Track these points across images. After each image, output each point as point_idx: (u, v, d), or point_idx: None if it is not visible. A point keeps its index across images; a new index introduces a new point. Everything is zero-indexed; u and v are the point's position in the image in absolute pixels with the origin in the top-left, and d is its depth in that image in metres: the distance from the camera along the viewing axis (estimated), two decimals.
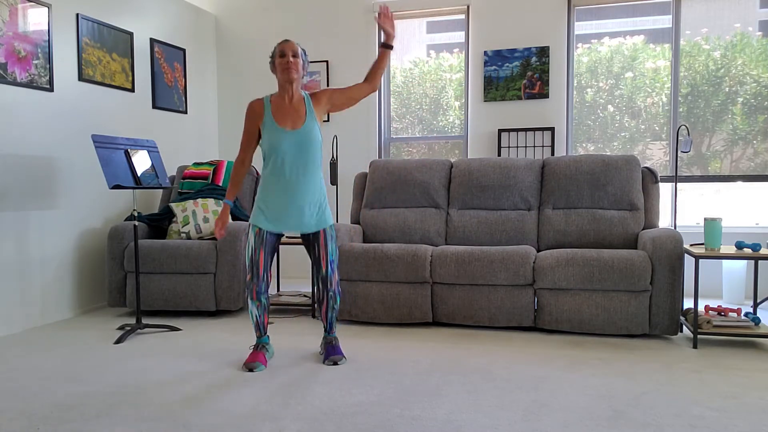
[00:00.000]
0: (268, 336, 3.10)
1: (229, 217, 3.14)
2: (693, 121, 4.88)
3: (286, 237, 4.28)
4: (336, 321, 3.14)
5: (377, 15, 2.97)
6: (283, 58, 2.89)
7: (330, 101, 3.02)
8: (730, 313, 3.40)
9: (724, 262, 4.58)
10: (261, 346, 3.03)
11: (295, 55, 2.90)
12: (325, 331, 3.12)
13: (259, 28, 5.81)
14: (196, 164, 4.75)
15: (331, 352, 3.01)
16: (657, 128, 4.97)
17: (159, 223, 4.42)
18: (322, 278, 3.00)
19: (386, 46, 3.02)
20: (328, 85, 5.60)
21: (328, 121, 5.64)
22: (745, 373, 2.79)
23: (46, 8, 3.94)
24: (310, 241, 3.00)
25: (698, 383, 2.64)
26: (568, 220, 3.93)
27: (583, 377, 2.73)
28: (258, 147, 3.26)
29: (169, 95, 5.17)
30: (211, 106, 5.85)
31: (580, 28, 5.13)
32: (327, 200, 3.03)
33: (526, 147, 5.12)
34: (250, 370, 2.88)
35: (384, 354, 3.14)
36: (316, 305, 4.06)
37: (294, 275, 5.83)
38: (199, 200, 4.34)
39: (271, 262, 2.98)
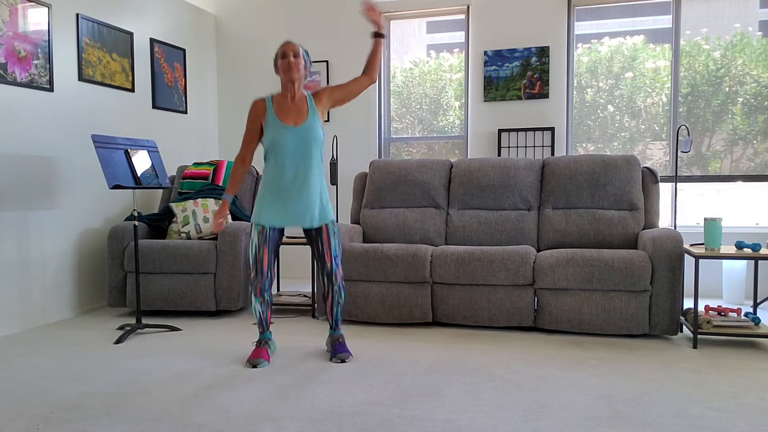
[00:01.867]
0: (270, 332, 3.12)
1: (228, 212, 3.16)
2: (693, 121, 4.88)
3: (287, 237, 4.27)
4: (341, 317, 3.16)
5: (363, 8, 3.00)
6: (284, 59, 2.95)
7: (331, 98, 3.06)
8: (730, 313, 3.40)
9: (724, 262, 4.58)
10: (264, 341, 3.06)
11: (296, 56, 2.95)
12: (331, 328, 3.15)
13: (259, 28, 5.81)
14: (196, 164, 4.75)
15: (338, 350, 3.03)
16: (657, 128, 4.97)
17: (159, 223, 4.42)
18: (327, 273, 3.03)
19: (378, 35, 3.06)
20: (328, 85, 5.61)
21: (328, 121, 5.64)
22: (745, 373, 2.79)
23: (46, 8, 3.94)
24: (313, 237, 3.03)
25: (698, 383, 2.64)
26: (568, 220, 3.93)
27: (583, 377, 2.73)
28: (259, 146, 3.28)
29: (169, 95, 5.17)
30: (211, 106, 5.85)
31: (580, 28, 5.13)
32: (328, 196, 3.05)
33: (526, 147, 5.12)
34: (254, 366, 2.91)
35: (384, 354, 3.14)
36: (316, 305, 4.06)
37: (294, 275, 5.83)
38: (199, 200, 4.34)
39: (275, 259, 3.01)
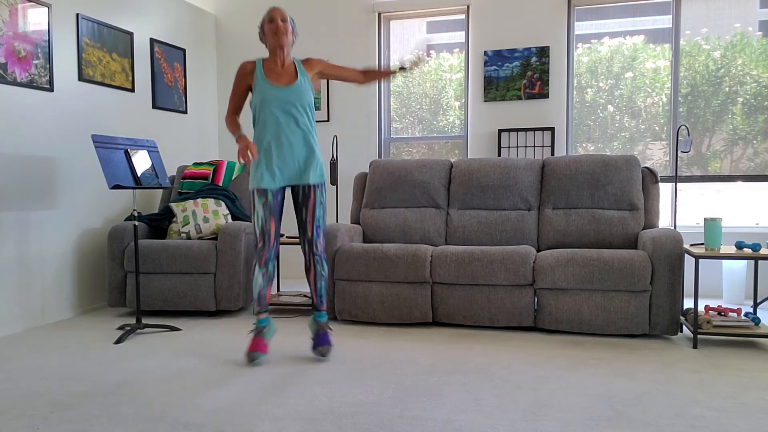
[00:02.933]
0: (267, 317, 3.04)
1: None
2: (693, 121, 4.88)
3: (287, 237, 4.28)
4: (326, 296, 3.11)
5: (417, 58, 3.08)
6: (272, 23, 2.95)
7: (320, 68, 3.09)
8: (730, 313, 3.40)
9: (724, 262, 4.58)
10: (260, 330, 2.99)
11: (284, 20, 2.96)
12: (315, 308, 3.09)
13: (259, 28, 5.80)
14: (196, 164, 4.75)
15: (321, 340, 3.00)
16: (657, 128, 4.97)
17: (159, 223, 4.42)
18: (307, 240, 3.02)
19: (401, 69, 3.10)
20: (328, 86, 5.61)
21: (328, 120, 5.64)
22: (745, 373, 2.79)
23: (46, 8, 3.94)
24: (299, 203, 3.01)
25: (698, 383, 2.64)
26: (568, 220, 3.93)
27: (583, 377, 2.73)
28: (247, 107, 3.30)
29: (169, 95, 5.17)
30: (211, 106, 5.85)
31: (580, 28, 5.13)
32: (322, 160, 3.05)
33: (526, 147, 5.12)
34: (252, 361, 2.89)
35: (384, 354, 3.14)
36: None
37: (294, 275, 5.83)
38: (199, 200, 4.34)
39: (280, 225, 3.01)
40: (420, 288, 3.67)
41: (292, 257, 5.82)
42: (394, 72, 3.12)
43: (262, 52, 5.81)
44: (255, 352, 2.91)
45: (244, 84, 3.00)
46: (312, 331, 3.13)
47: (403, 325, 3.79)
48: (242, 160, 2.89)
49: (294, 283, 5.44)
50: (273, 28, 2.94)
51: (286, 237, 4.28)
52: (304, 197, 3.00)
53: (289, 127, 2.92)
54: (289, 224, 5.75)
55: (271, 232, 2.93)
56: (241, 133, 2.94)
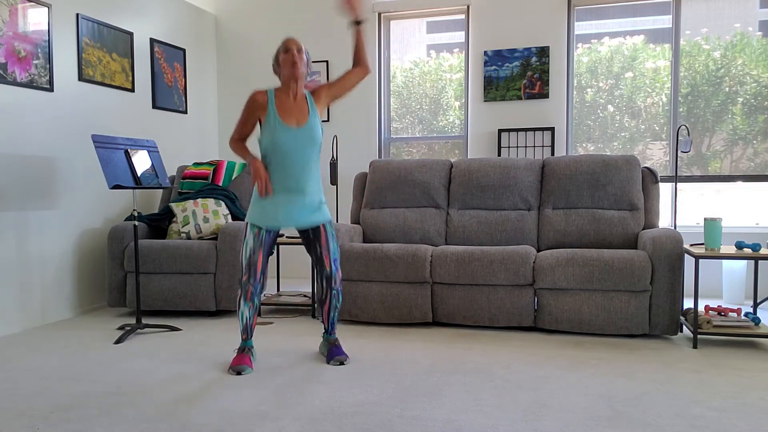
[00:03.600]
0: (251, 340, 3.04)
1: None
2: (693, 121, 4.88)
3: (287, 237, 4.27)
4: (337, 321, 3.11)
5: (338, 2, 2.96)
6: (287, 53, 2.89)
7: (328, 95, 3.02)
8: (730, 313, 3.40)
9: (724, 262, 4.58)
10: (247, 348, 2.96)
11: (299, 50, 2.90)
12: (326, 332, 3.09)
13: (259, 28, 5.81)
14: (196, 164, 4.75)
15: (336, 353, 2.99)
16: (657, 128, 4.97)
17: (159, 223, 4.42)
18: (326, 277, 2.97)
19: (357, 23, 3.00)
20: (324, 83, 5.60)
21: (327, 120, 5.64)
22: (745, 373, 2.79)
23: (46, 8, 3.94)
24: (311, 240, 2.97)
25: (698, 383, 2.64)
26: (568, 220, 3.93)
27: (583, 377, 2.73)
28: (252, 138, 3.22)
29: (169, 95, 5.17)
30: (211, 106, 5.85)
31: (580, 28, 5.13)
32: (324, 198, 3.02)
33: (526, 147, 5.12)
34: (238, 373, 2.83)
35: (384, 354, 3.14)
36: (316, 305, 4.05)
37: (294, 275, 5.83)
38: (199, 200, 4.34)
39: (267, 262, 2.95)
40: (420, 288, 3.67)
41: (292, 257, 5.82)
42: (357, 28, 2.99)
43: (262, 51, 5.81)
44: (241, 365, 2.84)
45: (254, 116, 2.93)
46: (324, 350, 3.09)
47: (403, 325, 3.79)
48: (262, 192, 2.85)
49: (294, 283, 5.44)
50: (289, 59, 2.87)
51: (287, 237, 4.28)
52: (315, 235, 2.96)
53: (298, 170, 2.88)
54: None
55: (258, 265, 2.86)
56: (252, 156, 2.90)
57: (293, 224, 2.91)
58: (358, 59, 3.03)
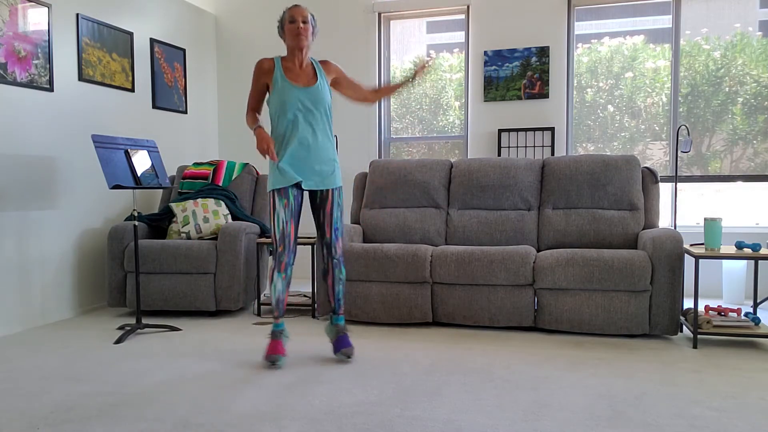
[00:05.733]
0: (283, 321, 3.04)
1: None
2: (693, 121, 4.88)
3: None
4: (343, 299, 3.09)
5: (425, 62, 3.02)
6: (293, 24, 2.90)
7: (337, 76, 3.05)
8: (730, 313, 3.40)
9: (724, 262, 4.58)
10: (278, 333, 2.97)
11: (305, 21, 2.91)
12: (333, 312, 3.07)
13: (259, 28, 5.81)
14: (196, 164, 4.75)
15: (343, 343, 2.98)
16: (657, 128, 4.97)
17: (159, 223, 4.42)
18: (326, 244, 3.00)
19: (410, 79, 3.06)
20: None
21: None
22: (745, 373, 2.79)
23: (46, 8, 3.94)
24: (317, 205, 3.00)
25: (698, 383, 2.64)
26: (568, 220, 3.93)
27: (583, 377, 2.73)
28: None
29: (169, 95, 5.17)
30: (211, 106, 5.85)
31: (580, 28, 5.13)
32: (338, 163, 3.03)
33: (526, 147, 5.12)
34: (272, 363, 2.87)
35: (384, 354, 3.14)
36: (316, 304, 4.05)
37: (294, 275, 5.82)
38: (199, 200, 4.34)
39: (298, 229, 2.98)
40: (420, 288, 3.67)
41: None
42: (404, 84, 3.06)
43: (262, 51, 5.81)
44: (275, 355, 2.88)
45: (262, 81, 2.96)
46: (331, 336, 3.09)
47: (403, 325, 3.79)
48: (266, 155, 2.86)
49: (294, 284, 5.44)
50: (293, 30, 2.89)
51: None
52: (321, 200, 2.98)
53: (310, 130, 2.90)
54: None
55: (291, 235, 2.88)
56: (258, 124, 2.92)
57: (307, 186, 2.91)
58: (379, 91, 3.09)
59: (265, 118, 5.53)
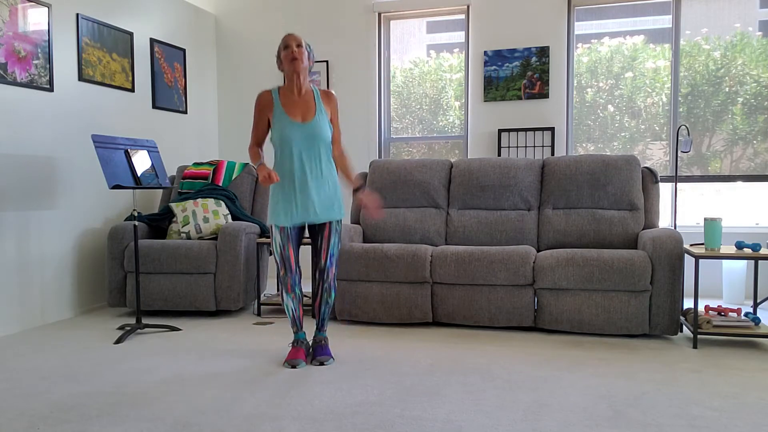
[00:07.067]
0: (304, 331, 3.09)
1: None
2: (693, 121, 4.88)
3: None
4: (328, 319, 3.15)
5: (363, 208, 3.09)
6: (287, 49, 2.93)
7: (331, 116, 3.05)
8: (730, 313, 3.40)
9: (724, 262, 4.58)
10: (299, 341, 3.04)
11: (299, 45, 2.93)
12: (317, 328, 3.13)
13: (259, 28, 5.81)
14: (196, 164, 4.75)
15: (319, 352, 3.03)
16: (657, 128, 4.97)
17: (159, 223, 4.42)
18: (319, 269, 3.04)
19: (355, 191, 3.14)
20: (328, 86, 5.61)
21: None
22: (745, 373, 2.79)
23: (46, 8, 3.94)
24: (315, 232, 3.05)
25: (698, 383, 2.64)
26: (568, 220, 3.93)
27: (583, 377, 2.73)
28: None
29: (169, 95, 5.17)
30: (211, 106, 5.85)
31: (580, 28, 5.13)
32: (341, 194, 3.04)
33: (526, 147, 5.12)
34: (293, 367, 2.92)
35: (384, 354, 3.14)
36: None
37: None
38: (199, 200, 4.34)
39: (299, 252, 3.02)
40: (420, 288, 3.67)
41: None
42: (350, 185, 3.11)
43: (262, 51, 5.81)
44: (296, 359, 2.94)
45: (263, 117, 3.00)
46: (312, 344, 3.12)
47: (403, 325, 3.79)
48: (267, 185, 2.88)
49: None
50: (288, 55, 2.91)
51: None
52: (320, 228, 3.02)
53: (309, 164, 2.92)
54: None
55: (291, 258, 2.96)
56: (261, 161, 2.96)
57: (305, 220, 2.95)
58: (341, 164, 3.11)
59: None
